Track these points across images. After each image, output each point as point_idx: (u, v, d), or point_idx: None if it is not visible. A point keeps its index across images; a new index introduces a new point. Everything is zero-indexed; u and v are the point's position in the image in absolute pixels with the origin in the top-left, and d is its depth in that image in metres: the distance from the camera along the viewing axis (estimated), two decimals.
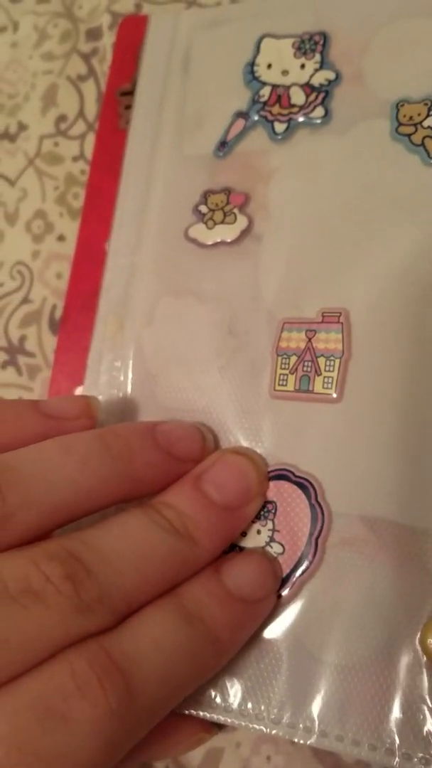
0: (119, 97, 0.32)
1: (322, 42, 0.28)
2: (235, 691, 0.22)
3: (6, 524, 0.19)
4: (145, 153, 0.30)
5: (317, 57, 0.28)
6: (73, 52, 0.36)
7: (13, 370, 0.33)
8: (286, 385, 0.25)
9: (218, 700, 0.22)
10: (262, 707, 0.22)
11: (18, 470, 0.20)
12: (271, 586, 0.22)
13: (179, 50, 0.31)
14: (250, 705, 0.22)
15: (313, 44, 0.28)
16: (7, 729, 0.16)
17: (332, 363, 0.24)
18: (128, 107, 0.32)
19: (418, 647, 0.21)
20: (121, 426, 0.23)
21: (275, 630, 0.23)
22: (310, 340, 0.25)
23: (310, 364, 0.24)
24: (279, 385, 0.25)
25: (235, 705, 0.22)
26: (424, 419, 0.23)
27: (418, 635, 0.21)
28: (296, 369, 0.25)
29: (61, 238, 0.33)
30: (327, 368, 0.24)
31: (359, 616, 0.22)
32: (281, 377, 0.25)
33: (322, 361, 0.24)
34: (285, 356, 0.25)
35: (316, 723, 0.21)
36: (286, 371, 0.25)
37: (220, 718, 0.22)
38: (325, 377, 0.24)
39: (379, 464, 0.23)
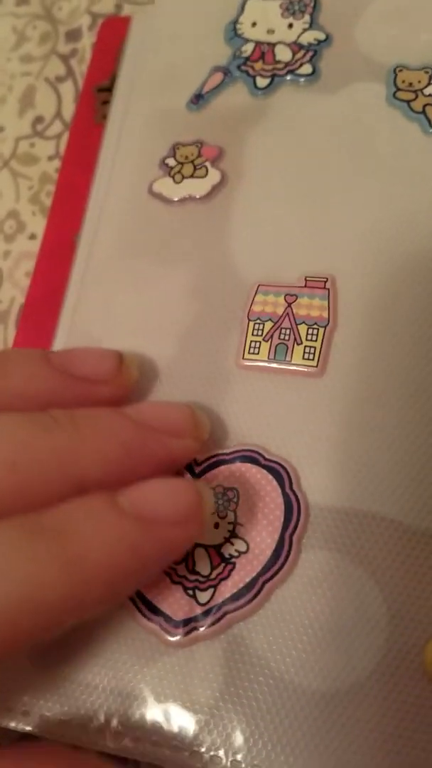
0: (97, 93, 0.30)
1: (312, 4, 0.26)
2: (179, 726, 0.17)
3: None
4: (117, 135, 0.27)
5: (306, 18, 0.26)
6: (52, 53, 0.34)
7: None
8: (258, 353, 0.21)
9: (156, 737, 0.17)
10: (221, 751, 0.17)
11: None
12: (188, 507, 0.17)
13: (160, 37, 0.28)
14: (205, 746, 0.17)
15: (303, 6, 0.26)
16: None
17: (315, 331, 0.20)
18: (105, 102, 0.29)
19: (419, 666, 0.16)
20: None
21: (232, 647, 0.18)
22: (290, 305, 0.21)
23: (288, 331, 0.21)
24: (249, 353, 0.21)
25: (180, 743, 0.17)
26: (418, 400, 0.19)
27: (424, 653, 0.16)
28: (271, 336, 0.21)
29: (32, 236, 0.30)
30: (309, 337, 0.20)
31: (344, 632, 0.17)
32: (252, 345, 0.21)
33: (303, 328, 0.21)
34: (258, 321, 0.21)
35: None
36: (259, 338, 0.21)
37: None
38: (306, 346, 0.20)
39: (366, 450, 0.19)
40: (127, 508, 0.16)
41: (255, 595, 0.18)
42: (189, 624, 0.18)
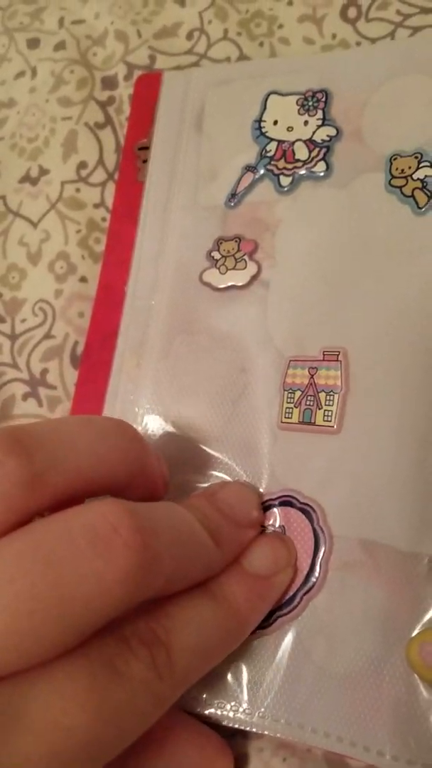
0: (137, 151, 0.35)
1: (324, 99, 0.30)
2: (249, 695, 0.25)
3: (38, 484, 0.20)
4: (160, 204, 0.33)
5: (319, 114, 0.30)
6: (90, 99, 0.38)
7: (34, 402, 0.35)
8: (291, 417, 0.27)
9: (239, 707, 0.25)
10: (274, 710, 0.24)
11: (42, 435, 0.21)
12: (283, 560, 0.25)
13: (192, 108, 0.34)
14: (262, 709, 0.24)
15: (316, 101, 0.31)
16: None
17: (332, 397, 0.26)
18: (145, 161, 0.34)
19: (405, 660, 0.23)
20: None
21: (284, 641, 0.25)
22: (312, 376, 0.27)
23: (312, 398, 0.27)
24: (285, 417, 0.27)
25: (253, 710, 0.24)
26: (417, 450, 0.25)
27: (406, 651, 0.23)
28: (300, 403, 0.27)
29: (83, 279, 0.35)
30: (327, 402, 0.26)
31: (357, 631, 0.24)
32: (287, 410, 0.27)
33: (322, 395, 0.27)
34: (291, 391, 0.27)
35: (321, 727, 0.23)
36: (292, 405, 0.27)
37: (243, 723, 0.25)
38: (325, 410, 0.26)
39: (375, 491, 0.25)
40: (251, 571, 0.24)
41: (297, 605, 0.25)
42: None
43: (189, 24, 0.38)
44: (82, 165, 0.37)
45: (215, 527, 0.23)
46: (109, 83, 0.38)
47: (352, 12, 0.34)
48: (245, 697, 0.25)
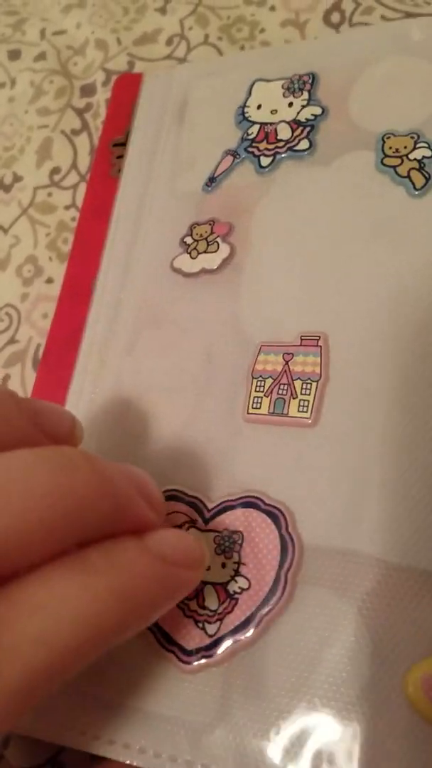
0: (112, 147, 0.33)
1: (310, 81, 0.28)
2: (190, 742, 0.20)
3: None
4: (137, 195, 0.30)
5: (305, 95, 0.28)
6: (68, 107, 0.37)
7: None
8: (259, 407, 0.23)
9: (177, 756, 0.19)
10: (222, 763, 0.19)
11: None
12: (195, 554, 0.19)
13: (174, 102, 0.32)
14: (207, 760, 0.19)
15: (302, 83, 0.28)
16: None
17: (309, 386, 0.23)
18: (120, 157, 0.32)
19: (400, 693, 0.18)
20: None
21: (237, 673, 0.20)
22: (287, 362, 0.23)
23: (285, 386, 0.23)
24: (252, 407, 0.23)
25: (191, 759, 0.19)
26: (402, 447, 0.21)
27: (402, 681, 0.18)
28: (271, 391, 0.23)
29: (49, 280, 0.33)
30: (303, 391, 0.23)
31: (333, 660, 0.19)
32: (255, 400, 0.23)
33: (298, 384, 0.23)
34: (260, 379, 0.24)
35: None
36: (261, 394, 0.23)
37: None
38: (300, 400, 0.23)
39: (354, 494, 0.21)
40: (155, 551, 0.19)
41: (254, 627, 0.20)
42: (199, 653, 0.21)
43: (169, 30, 0.37)
44: (56, 170, 0.36)
45: (104, 469, 0.18)
46: (88, 90, 0.37)
47: (335, 17, 0.33)
48: (185, 745, 0.20)
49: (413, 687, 0.18)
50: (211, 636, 0.21)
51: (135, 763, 0.20)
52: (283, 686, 0.19)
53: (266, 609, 0.20)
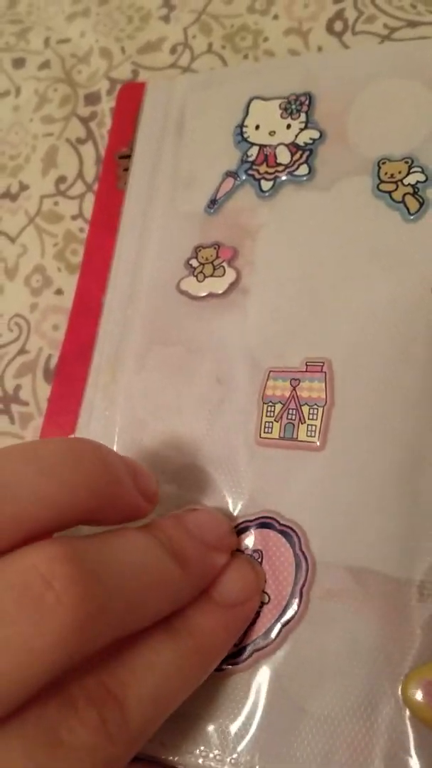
0: (118, 159, 0.34)
1: (307, 102, 0.29)
2: (220, 739, 0.22)
3: None
4: (140, 211, 0.31)
5: (302, 117, 0.29)
6: (73, 115, 0.37)
7: (6, 419, 0.33)
8: (271, 432, 0.25)
9: (208, 753, 0.22)
10: (248, 757, 0.21)
11: None
12: (252, 586, 0.23)
13: (174, 114, 0.32)
14: (235, 755, 0.22)
15: (299, 105, 0.29)
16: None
17: (315, 411, 0.24)
18: (126, 170, 0.33)
19: (400, 698, 0.20)
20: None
21: (260, 678, 0.22)
22: (294, 388, 0.25)
23: (294, 412, 0.25)
24: (264, 432, 0.25)
25: (224, 757, 0.22)
26: (407, 468, 0.23)
27: (400, 686, 0.20)
28: (281, 417, 0.25)
29: (58, 291, 0.34)
30: (310, 416, 0.24)
31: (343, 667, 0.21)
32: (266, 425, 0.25)
33: (305, 409, 0.25)
34: (270, 404, 0.25)
35: None
36: (272, 419, 0.25)
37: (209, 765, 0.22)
38: (308, 425, 0.24)
39: (362, 513, 0.23)
40: (222, 602, 0.22)
41: (274, 639, 0.22)
42: (227, 661, 0.23)
43: (173, 39, 0.37)
44: (61, 179, 0.36)
45: (180, 549, 0.21)
46: (92, 99, 0.38)
47: (338, 25, 0.33)
48: (216, 741, 0.22)
49: (414, 692, 0.20)
50: (236, 645, 0.23)
51: (174, 759, 0.22)
52: (299, 691, 0.22)
53: (285, 621, 0.23)
